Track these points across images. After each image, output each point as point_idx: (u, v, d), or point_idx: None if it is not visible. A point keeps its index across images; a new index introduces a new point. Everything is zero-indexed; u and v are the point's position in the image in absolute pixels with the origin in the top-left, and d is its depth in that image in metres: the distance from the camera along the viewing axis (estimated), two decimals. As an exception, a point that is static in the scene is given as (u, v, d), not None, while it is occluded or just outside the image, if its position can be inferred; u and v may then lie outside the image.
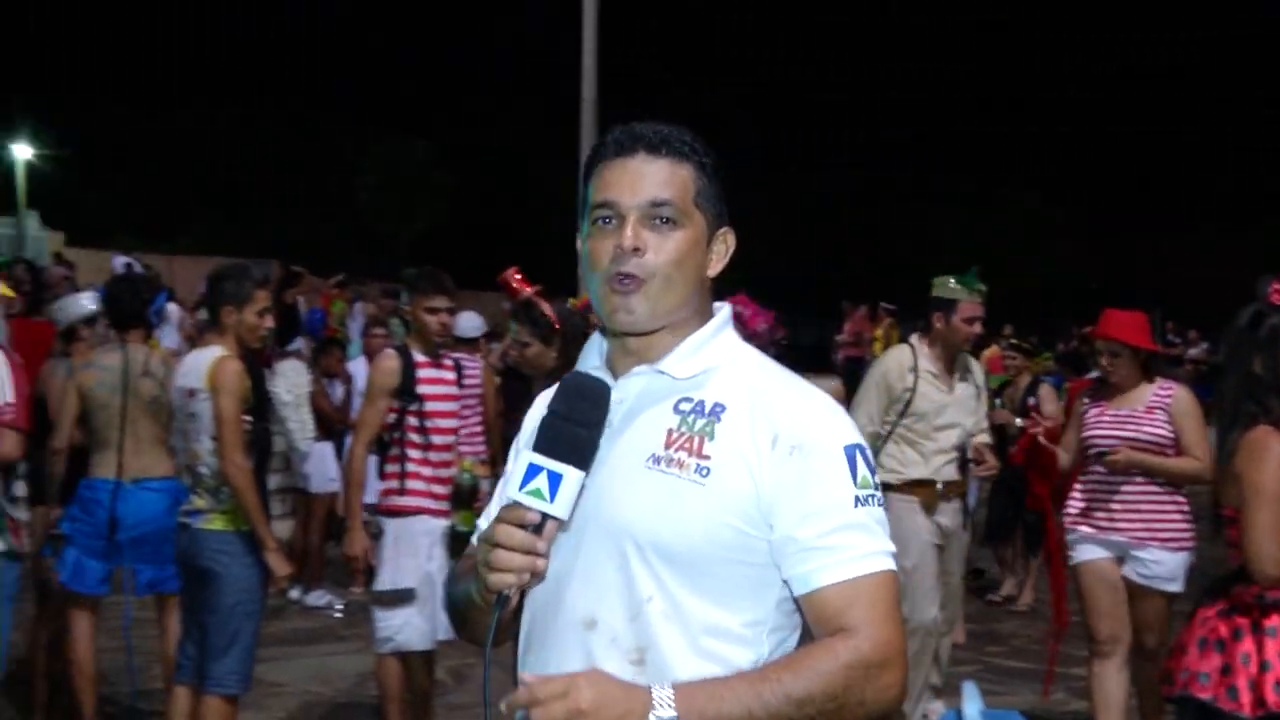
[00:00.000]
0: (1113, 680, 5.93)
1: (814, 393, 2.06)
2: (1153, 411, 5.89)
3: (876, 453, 6.32)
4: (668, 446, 1.96)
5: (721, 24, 59.71)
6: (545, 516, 1.85)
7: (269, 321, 5.61)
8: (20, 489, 6.28)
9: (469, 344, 9.26)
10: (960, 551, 6.52)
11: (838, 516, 1.93)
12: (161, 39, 55.89)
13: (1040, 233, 48.62)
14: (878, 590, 1.93)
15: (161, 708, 6.42)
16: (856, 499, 1.95)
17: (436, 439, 5.86)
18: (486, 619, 1.95)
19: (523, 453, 1.89)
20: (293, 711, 6.94)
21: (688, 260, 2.03)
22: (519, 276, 5.88)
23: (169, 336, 13.81)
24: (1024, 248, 47.34)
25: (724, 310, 2.14)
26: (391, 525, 5.87)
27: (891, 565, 1.97)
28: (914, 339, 6.54)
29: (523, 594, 1.96)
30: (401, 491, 5.84)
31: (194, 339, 9.74)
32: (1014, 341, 10.75)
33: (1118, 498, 5.94)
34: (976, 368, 6.69)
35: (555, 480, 1.84)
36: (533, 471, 1.85)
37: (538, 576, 1.89)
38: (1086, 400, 6.22)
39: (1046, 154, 52.94)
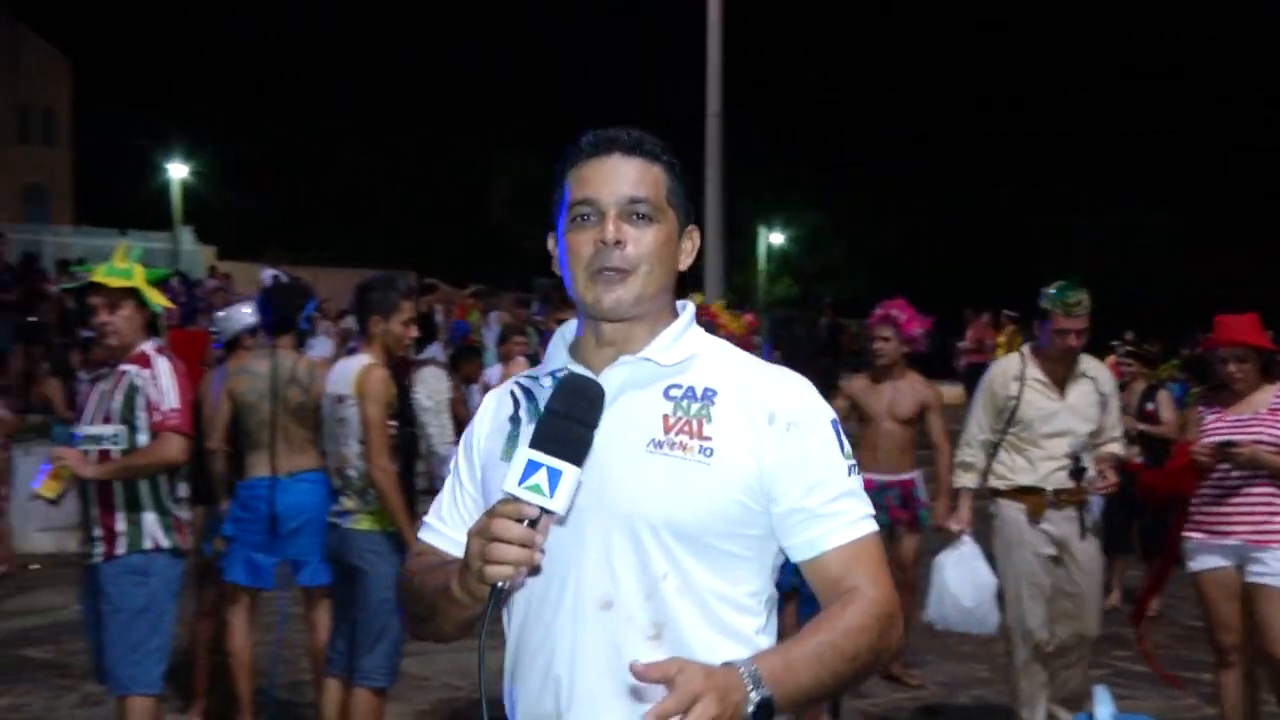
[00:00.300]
0: (1238, 689, 5.78)
1: (790, 374, 2.15)
2: (1276, 413, 5.70)
3: (990, 459, 6.22)
4: (667, 431, 2.02)
5: (826, 25, 59.21)
6: (543, 511, 1.85)
7: (414, 331, 5.68)
8: (182, 489, 6.44)
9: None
10: (1088, 562, 6.12)
11: (837, 485, 2.05)
12: (304, 65, 56.96)
13: (1150, 242, 47.41)
14: (873, 550, 2.07)
15: (309, 699, 6.56)
16: (849, 468, 2.08)
17: None
18: (461, 613, 2.00)
19: (521, 449, 1.88)
20: (435, 704, 7.02)
21: (664, 253, 2.09)
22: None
23: (321, 345, 14.11)
24: (1148, 255, 46.24)
25: (690, 305, 2.20)
26: None
27: (874, 526, 2.09)
28: (1026, 347, 6.38)
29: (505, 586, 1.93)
30: None
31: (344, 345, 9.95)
32: (1130, 348, 10.51)
33: (1234, 500, 5.73)
34: (1101, 374, 6.41)
35: (555, 476, 1.85)
36: (532, 467, 1.85)
37: (534, 569, 1.91)
38: (1202, 407, 6.02)
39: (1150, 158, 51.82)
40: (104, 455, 5.07)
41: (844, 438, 2.10)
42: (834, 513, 2.04)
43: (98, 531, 5.08)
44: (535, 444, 1.87)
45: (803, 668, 1.90)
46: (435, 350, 12.26)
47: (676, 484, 1.99)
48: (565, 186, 2.12)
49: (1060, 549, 6.06)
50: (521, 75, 58.45)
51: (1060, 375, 6.13)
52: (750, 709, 1.82)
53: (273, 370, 6.21)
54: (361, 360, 5.50)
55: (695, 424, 2.02)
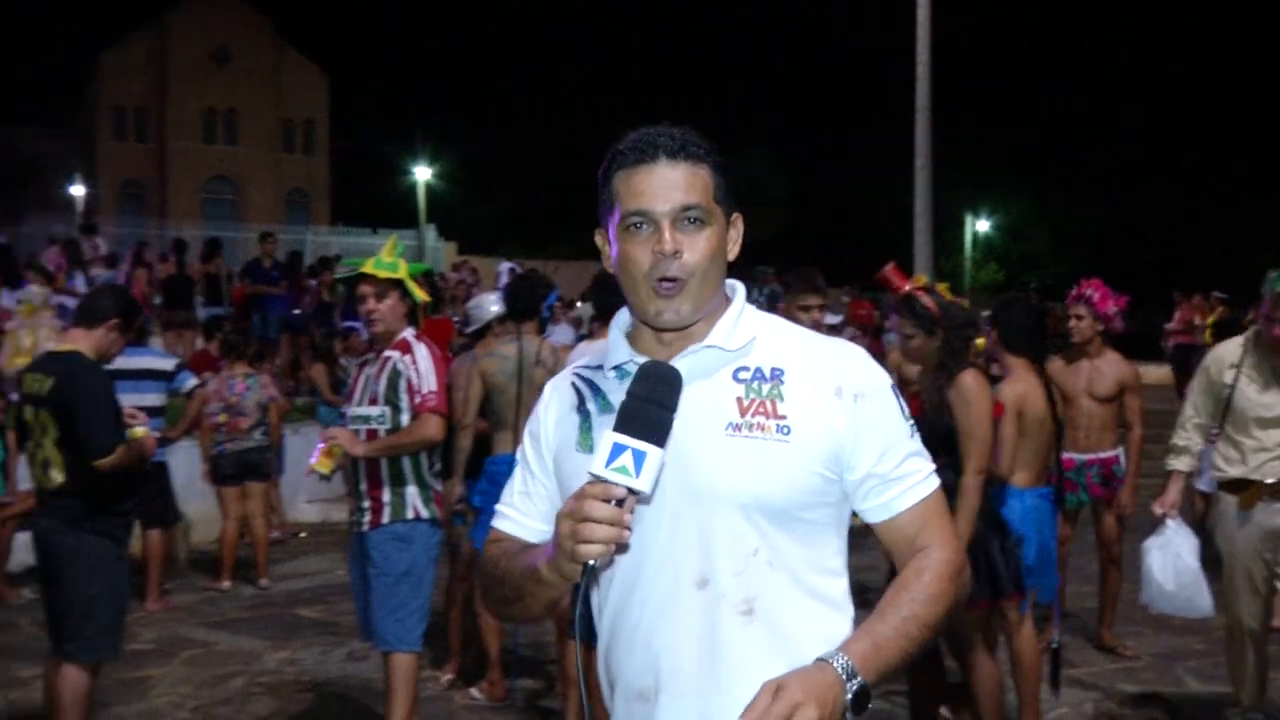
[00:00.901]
0: None
1: (847, 346, 2.14)
2: None
3: (1210, 447, 5.89)
4: (743, 413, 2.00)
5: (1031, 14, 57.29)
6: (629, 491, 1.83)
7: None
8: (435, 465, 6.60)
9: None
10: None
11: (903, 448, 2.06)
12: (534, 72, 57.85)
13: None
14: (938, 505, 2.10)
15: (552, 656, 6.68)
16: (910, 429, 2.09)
17: None
18: (548, 594, 2.00)
19: (606, 433, 1.86)
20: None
21: (718, 253, 2.06)
22: (898, 272, 5.71)
23: (561, 333, 14.37)
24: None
25: (740, 287, 2.16)
26: None
27: (937, 480, 2.11)
28: (1248, 334, 5.92)
29: (597, 564, 1.91)
30: None
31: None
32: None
33: None
34: None
35: (640, 458, 1.83)
36: (617, 450, 1.83)
37: (623, 547, 1.90)
38: None
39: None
40: (371, 434, 5.24)
41: (902, 401, 2.10)
42: (903, 475, 2.06)
43: (365, 503, 5.25)
44: (619, 427, 1.86)
45: (890, 646, 1.93)
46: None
47: (760, 463, 1.97)
48: (615, 191, 2.06)
49: (1276, 541, 5.60)
50: (733, 72, 58.29)
51: (1277, 365, 5.63)
52: (849, 699, 1.86)
53: (520, 354, 6.34)
54: (598, 345, 5.53)
55: (769, 404, 2.00)
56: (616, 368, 2.10)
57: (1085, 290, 7.15)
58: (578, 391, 2.16)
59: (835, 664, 1.87)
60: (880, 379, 2.08)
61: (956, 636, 5.22)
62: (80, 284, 16.38)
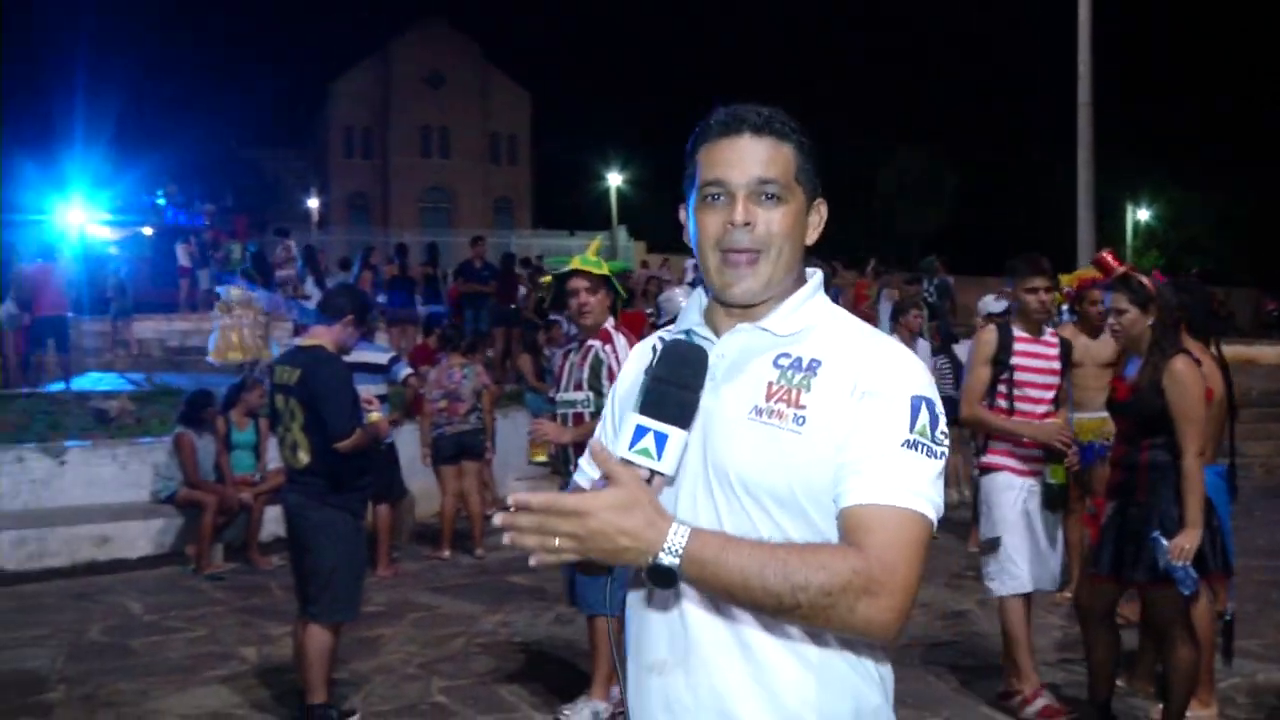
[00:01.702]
0: None
1: (897, 348, 1.88)
2: None
3: None
4: (768, 399, 1.83)
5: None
6: (653, 473, 1.72)
7: None
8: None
9: (993, 319, 9.03)
10: None
11: (881, 448, 1.77)
12: (702, 84, 57.73)
13: None
14: (902, 526, 1.74)
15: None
16: (907, 441, 1.78)
17: (1023, 406, 5.51)
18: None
19: (629, 415, 1.75)
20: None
21: (793, 232, 1.89)
22: (1113, 255, 5.54)
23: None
24: None
25: (817, 274, 1.98)
26: (981, 481, 5.69)
27: (924, 510, 1.77)
28: None
29: None
30: (985, 451, 5.65)
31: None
32: None
33: None
34: None
35: (661, 440, 1.72)
36: (640, 432, 1.73)
37: None
38: None
39: None
40: (578, 417, 5.27)
41: (927, 417, 1.80)
42: (864, 471, 1.77)
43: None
44: (642, 409, 1.75)
45: (734, 564, 1.66)
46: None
47: (772, 451, 1.81)
48: (697, 163, 1.92)
49: None
50: (897, 68, 57.18)
51: None
52: (651, 562, 1.65)
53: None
54: None
55: (794, 393, 1.83)
56: (685, 333, 1.98)
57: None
58: (653, 352, 1.98)
59: (670, 530, 1.65)
60: (900, 384, 1.82)
61: (1158, 614, 4.97)
62: (310, 286, 17.01)
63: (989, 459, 5.60)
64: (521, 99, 61.41)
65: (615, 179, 44.88)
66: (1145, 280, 5.02)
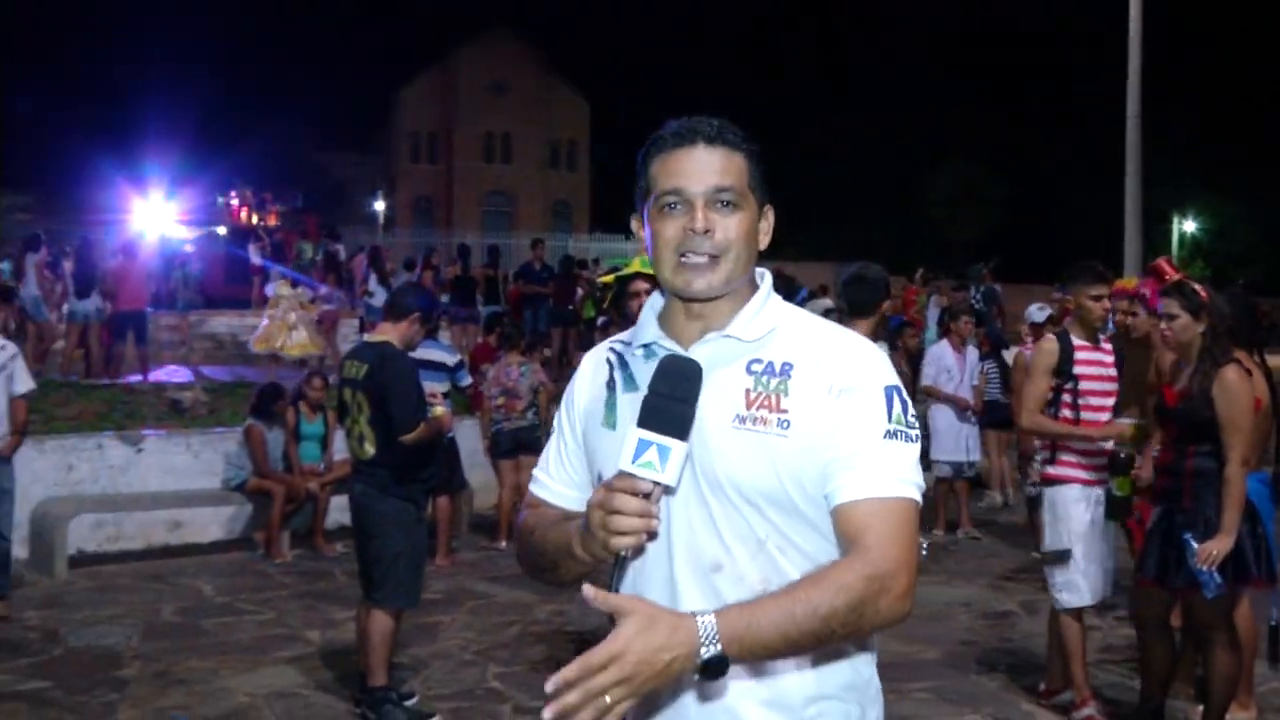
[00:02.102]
0: None
1: (860, 342, 1.94)
2: None
3: None
4: (749, 406, 1.85)
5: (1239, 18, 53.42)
6: (655, 484, 1.73)
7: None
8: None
9: (1037, 328, 8.97)
10: None
11: (867, 442, 1.82)
12: (753, 91, 57.62)
13: None
14: (894, 513, 1.80)
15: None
16: (887, 431, 1.83)
17: (1087, 415, 5.36)
18: (581, 569, 1.89)
19: (632, 429, 1.75)
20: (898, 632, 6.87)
21: (748, 237, 1.92)
22: (1169, 263, 5.44)
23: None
24: None
25: (767, 276, 2.01)
26: (1048, 493, 5.52)
27: (912, 494, 1.83)
28: None
29: (627, 554, 1.79)
30: (1053, 462, 5.48)
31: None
32: None
33: None
34: None
35: (665, 452, 1.72)
36: (643, 446, 1.73)
37: (652, 536, 1.80)
38: None
39: None
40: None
41: (899, 406, 1.85)
42: (856, 467, 1.80)
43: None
44: (643, 423, 1.75)
45: (768, 624, 1.67)
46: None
47: (761, 457, 1.82)
48: (651, 174, 1.93)
49: None
50: (946, 80, 56.68)
51: None
52: (700, 662, 1.64)
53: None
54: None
55: (774, 398, 1.84)
56: (644, 346, 1.96)
57: (1141, 290, 6.64)
58: (609, 365, 2.03)
59: (700, 624, 1.65)
60: (873, 378, 1.86)
61: (1201, 619, 4.89)
62: (373, 284, 17.21)
63: (1058, 470, 5.43)
64: (581, 106, 61.57)
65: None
66: (1199, 288, 4.94)
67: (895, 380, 1.90)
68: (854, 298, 5.54)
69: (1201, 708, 5.10)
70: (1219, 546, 4.63)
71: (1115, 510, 5.35)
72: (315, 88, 59.92)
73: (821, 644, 1.76)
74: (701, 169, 1.89)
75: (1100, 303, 5.39)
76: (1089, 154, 41.31)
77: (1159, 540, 4.89)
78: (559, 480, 2.10)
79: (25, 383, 7.36)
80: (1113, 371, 5.46)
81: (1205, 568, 4.65)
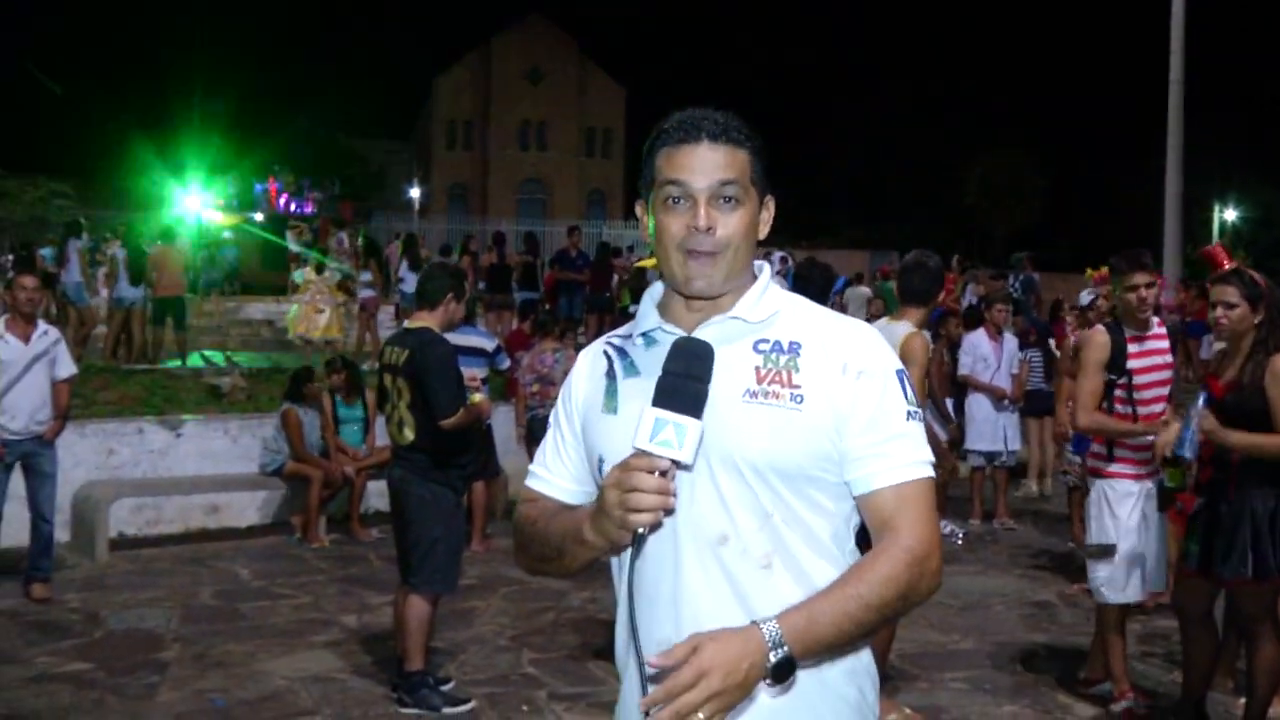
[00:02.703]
0: None
1: (862, 325, 2.01)
2: None
3: None
4: (760, 381, 1.90)
5: None
6: (673, 462, 1.76)
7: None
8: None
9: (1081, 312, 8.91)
10: None
11: (893, 428, 1.89)
12: (786, 80, 57.41)
13: None
14: (921, 494, 1.90)
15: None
16: (908, 414, 1.92)
17: (1142, 410, 5.24)
18: (590, 554, 1.93)
19: (647, 409, 1.77)
20: (934, 622, 6.89)
21: (749, 231, 1.95)
22: (1224, 249, 5.33)
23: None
24: None
25: (765, 265, 2.06)
26: (1098, 486, 5.41)
27: (931, 473, 1.92)
28: None
29: (645, 532, 1.80)
30: (1109, 458, 5.33)
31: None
32: None
33: None
34: None
35: (681, 430, 1.75)
36: (660, 424, 1.75)
37: (669, 513, 1.82)
38: None
39: None
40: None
41: (908, 387, 1.94)
42: (884, 454, 1.88)
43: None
44: (659, 402, 1.78)
45: (826, 622, 1.78)
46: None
47: (775, 429, 1.87)
48: (656, 166, 1.96)
49: None
50: (988, 68, 56.22)
51: None
52: (770, 666, 1.73)
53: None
54: (905, 328, 5.36)
55: (785, 374, 1.89)
56: (644, 334, 2.01)
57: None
58: (607, 358, 2.06)
59: (764, 630, 1.74)
60: (885, 360, 1.94)
61: (1245, 611, 4.83)
62: (404, 270, 17.35)
63: (1115, 467, 5.31)
64: (617, 94, 61.52)
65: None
66: (1258, 276, 4.83)
67: (900, 364, 1.97)
68: (912, 285, 5.48)
69: (1243, 700, 5.04)
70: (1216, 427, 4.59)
71: (1165, 501, 5.27)
72: (354, 75, 60.16)
73: (872, 634, 1.86)
74: (706, 166, 1.91)
75: (1136, 292, 5.20)
76: (1130, 142, 40.89)
77: (1203, 531, 4.82)
78: (557, 474, 2.12)
79: (68, 367, 7.45)
80: (1167, 359, 5.32)
81: (1195, 432, 4.61)
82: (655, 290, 2.07)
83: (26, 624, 6.76)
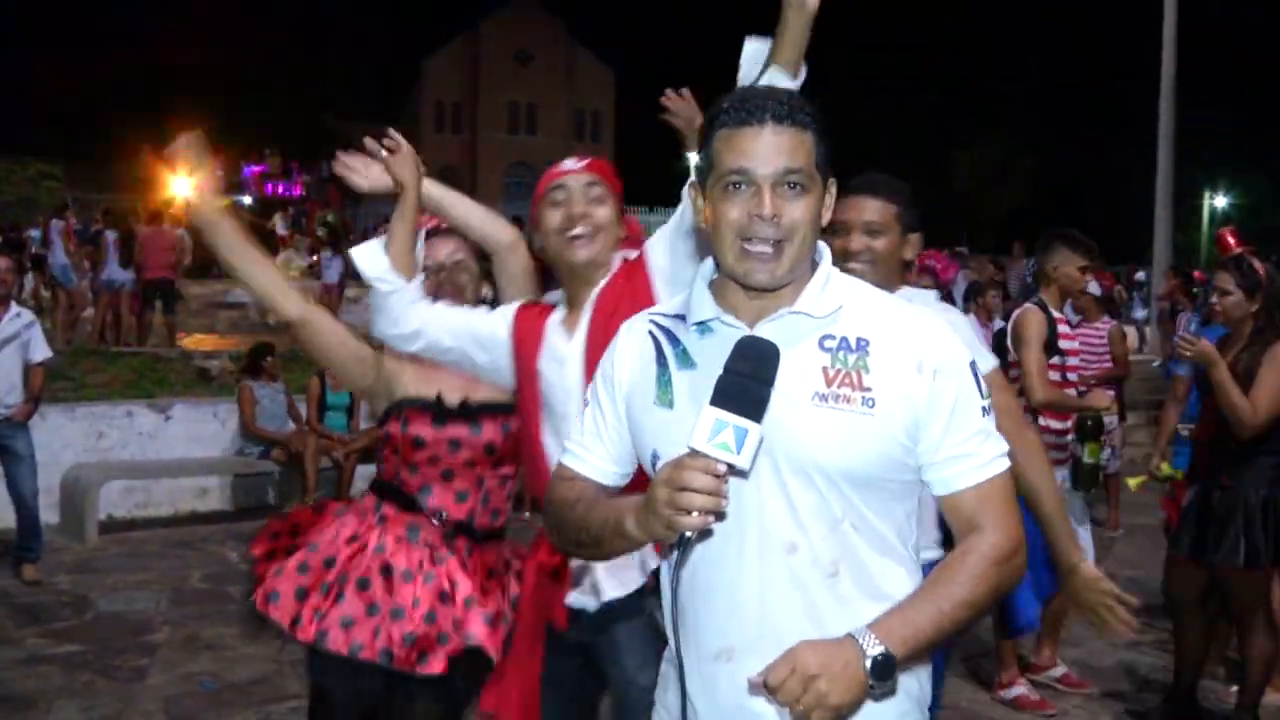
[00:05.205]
0: None
1: (931, 317, 1.90)
2: None
3: None
4: (829, 384, 1.81)
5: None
6: (730, 467, 1.66)
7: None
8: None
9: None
10: None
11: (972, 427, 1.85)
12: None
13: None
14: (1003, 489, 1.87)
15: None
16: (983, 409, 1.87)
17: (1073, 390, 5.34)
18: (629, 547, 1.86)
19: (707, 408, 1.67)
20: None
21: (815, 219, 1.84)
22: (1235, 234, 5.31)
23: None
24: None
25: (826, 251, 1.93)
26: None
27: (1009, 463, 1.89)
28: None
29: (693, 536, 1.74)
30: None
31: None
32: None
33: None
34: None
35: (741, 435, 1.65)
36: (719, 426, 1.65)
37: (720, 517, 1.70)
38: None
39: None
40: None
41: (980, 380, 1.88)
42: (967, 454, 1.84)
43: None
44: (719, 403, 1.67)
45: (922, 619, 1.75)
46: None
47: (847, 435, 1.80)
48: (715, 148, 1.85)
49: None
50: (980, 51, 56.21)
51: None
52: (868, 665, 1.69)
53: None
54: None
55: (855, 375, 1.81)
56: (700, 324, 1.90)
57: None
58: (655, 340, 1.95)
59: (858, 636, 1.71)
60: (958, 355, 1.86)
61: (1238, 600, 4.83)
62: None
63: None
64: (606, 77, 61.42)
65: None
66: (1258, 265, 4.81)
67: (968, 351, 1.91)
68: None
69: (1235, 689, 5.06)
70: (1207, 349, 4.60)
71: (1084, 479, 5.02)
72: (343, 56, 59.85)
73: (964, 629, 1.87)
74: (770, 151, 1.80)
75: (1086, 274, 5.29)
76: (1121, 128, 40.95)
77: (1195, 518, 4.82)
78: (596, 454, 2.02)
79: (42, 350, 7.37)
80: (1104, 343, 5.34)
81: (1186, 349, 4.64)
82: (706, 269, 1.95)
83: (16, 606, 6.74)
